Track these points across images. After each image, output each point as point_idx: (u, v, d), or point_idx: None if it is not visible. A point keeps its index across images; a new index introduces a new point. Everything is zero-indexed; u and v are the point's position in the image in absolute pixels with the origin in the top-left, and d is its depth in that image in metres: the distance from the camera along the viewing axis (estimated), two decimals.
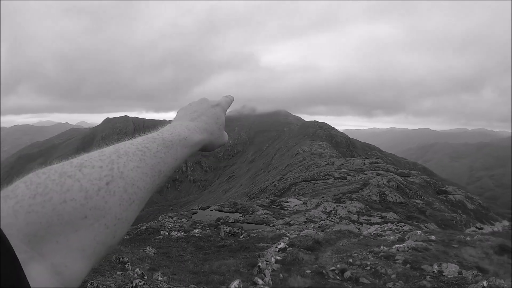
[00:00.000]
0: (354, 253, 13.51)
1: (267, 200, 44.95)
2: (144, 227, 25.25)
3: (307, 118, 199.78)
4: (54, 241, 0.63)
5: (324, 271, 11.36)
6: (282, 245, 15.30)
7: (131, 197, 0.71)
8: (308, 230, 22.12)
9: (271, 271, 11.17)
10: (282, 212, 36.33)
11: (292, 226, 28.16)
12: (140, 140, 0.82)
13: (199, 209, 37.92)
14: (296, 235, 18.79)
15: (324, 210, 36.93)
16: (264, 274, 10.10)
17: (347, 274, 11.00)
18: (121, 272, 8.57)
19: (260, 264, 10.85)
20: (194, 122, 1.01)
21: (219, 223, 28.30)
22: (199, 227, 25.72)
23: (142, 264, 11.17)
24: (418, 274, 10.76)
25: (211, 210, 36.42)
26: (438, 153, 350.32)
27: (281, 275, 10.97)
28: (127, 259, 10.13)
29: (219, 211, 35.75)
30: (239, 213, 34.54)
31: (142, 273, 8.51)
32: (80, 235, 0.65)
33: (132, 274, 8.40)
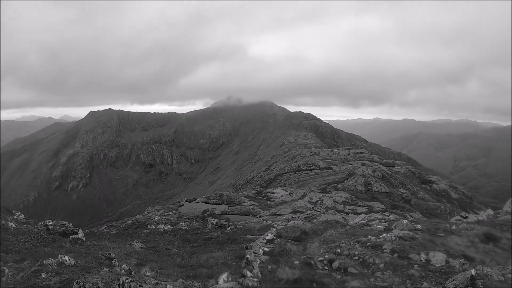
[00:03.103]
0: (342, 243, 13.56)
1: (253, 191, 45.02)
2: (131, 221, 25.06)
3: (292, 109, 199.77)
4: None
5: (312, 262, 11.36)
6: (269, 236, 15.27)
7: None
8: (295, 221, 22.18)
9: (260, 262, 11.14)
10: (268, 203, 36.42)
11: (279, 217, 28.23)
12: None
13: (186, 201, 37.80)
14: (283, 226, 18.81)
15: (310, 200, 37.13)
16: (253, 266, 10.04)
17: (336, 264, 11.02)
18: (108, 269, 8.42)
19: (248, 256, 10.78)
20: None
21: (206, 215, 28.22)
22: (186, 220, 25.60)
23: (129, 259, 11.04)
24: (406, 263, 10.84)
25: (198, 202, 36.35)
26: (422, 143, 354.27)
27: (270, 267, 10.94)
28: (114, 254, 9.98)
29: (206, 203, 35.69)
30: (226, 204, 34.55)
31: (129, 268, 8.37)
32: None
33: (119, 270, 8.26)
